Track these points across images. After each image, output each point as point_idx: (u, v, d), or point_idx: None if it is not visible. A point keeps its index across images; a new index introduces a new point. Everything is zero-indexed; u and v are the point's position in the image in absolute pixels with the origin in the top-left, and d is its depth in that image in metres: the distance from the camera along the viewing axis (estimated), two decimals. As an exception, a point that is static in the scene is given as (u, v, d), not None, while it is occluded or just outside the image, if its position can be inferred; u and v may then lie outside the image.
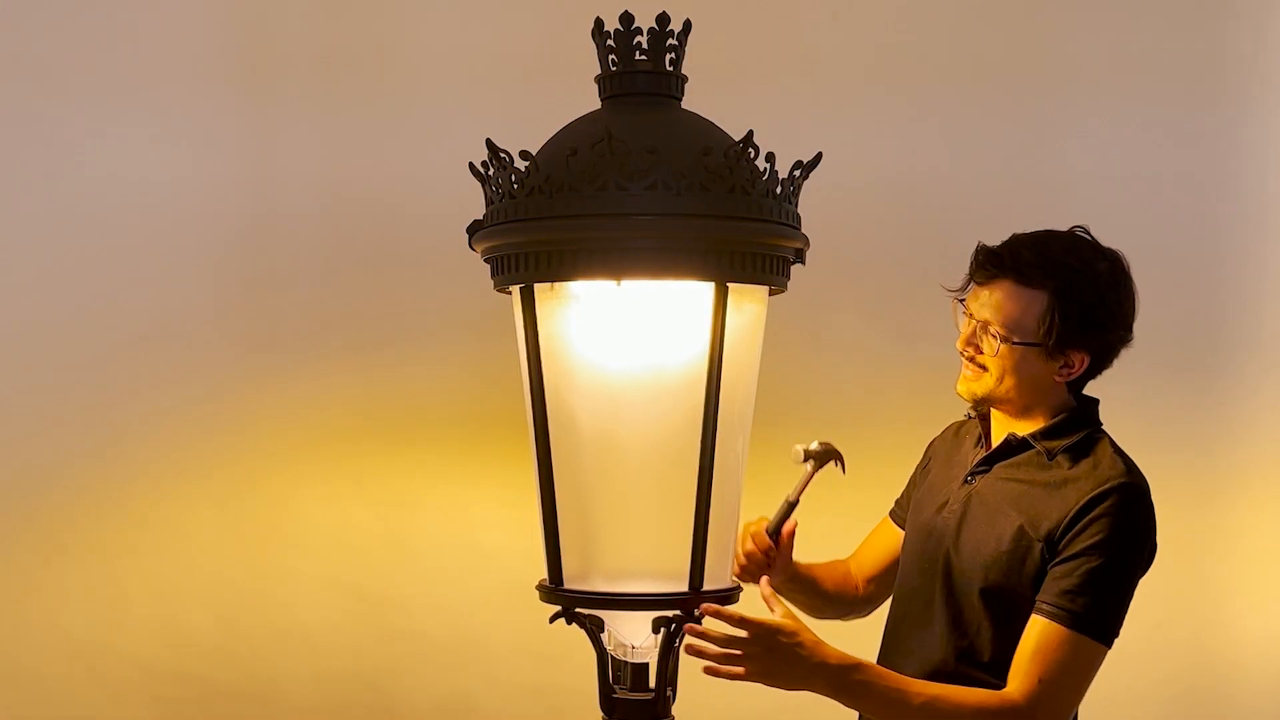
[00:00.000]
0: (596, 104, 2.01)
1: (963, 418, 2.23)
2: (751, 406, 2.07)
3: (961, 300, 2.08)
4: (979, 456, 2.11)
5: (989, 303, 2.01)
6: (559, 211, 1.83)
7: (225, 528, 3.04)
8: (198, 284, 3.03)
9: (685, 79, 2.00)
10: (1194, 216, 3.03)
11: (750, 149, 1.85)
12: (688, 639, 1.92)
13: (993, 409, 2.11)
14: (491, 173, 1.93)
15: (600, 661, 2.02)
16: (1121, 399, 2.93)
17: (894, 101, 3.01)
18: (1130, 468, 1.99)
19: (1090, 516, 1.93)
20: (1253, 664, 3.04)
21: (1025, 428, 2.07)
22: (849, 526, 2.93)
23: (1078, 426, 2.04)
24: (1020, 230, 2.08)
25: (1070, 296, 1.97)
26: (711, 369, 1.90)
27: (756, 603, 2.17)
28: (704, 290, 1.89)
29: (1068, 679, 1.92)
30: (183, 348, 3.03)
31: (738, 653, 1.90)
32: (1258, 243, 3.02)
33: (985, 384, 2.04)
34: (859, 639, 2.39)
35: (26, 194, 3.02)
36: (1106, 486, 1.95)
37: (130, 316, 3.03)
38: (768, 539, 2.23)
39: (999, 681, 1.97)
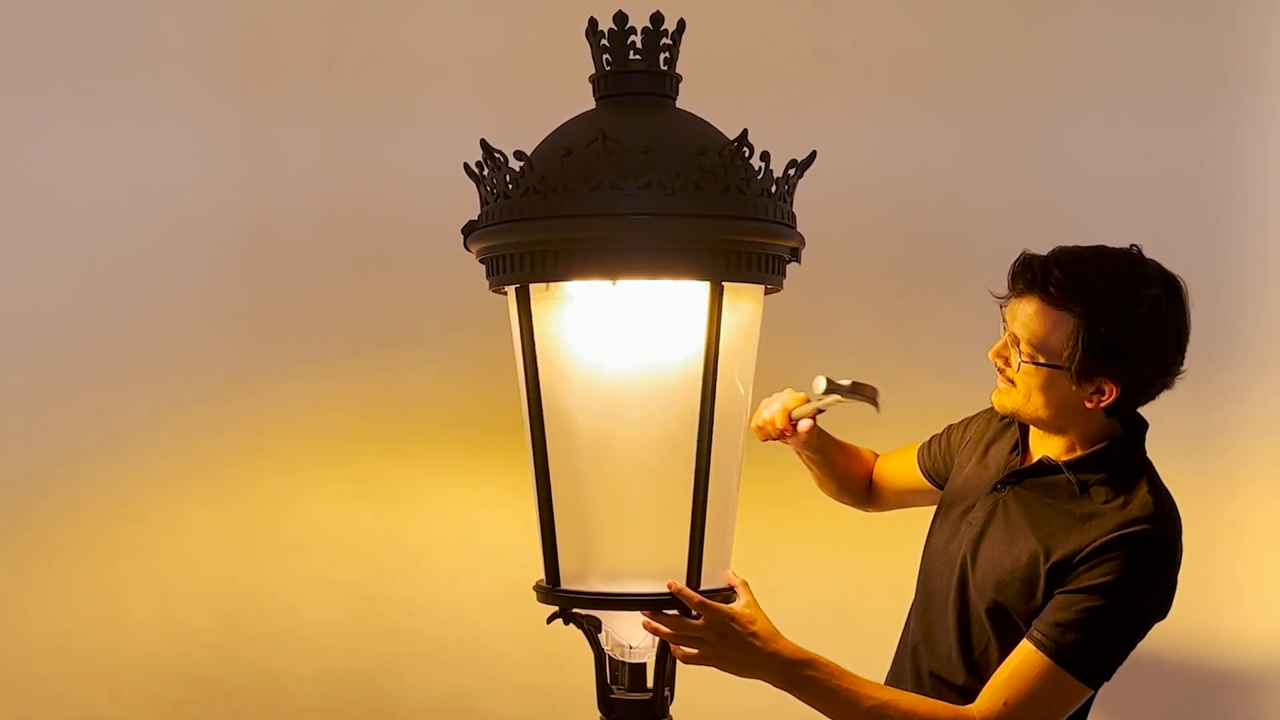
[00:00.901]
0: (591, 104, 2.01)
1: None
2: (748, 406, 2.07)
3: (1004, 308, 2.01)
4: (1012, 466, 2.07)
5: (1020, 317, 1.95)
6: (554, 211, 1.83)
7: (226, 527, 3.04)
8: (198, 284, 3.03)
9: (679, 78, 1.99)
10: (1194, 216, 3.02)
11: (745, 148, 1.85)
12: (644, 619, 1.92)
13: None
14: (486, 173, 1.93)
15: (598, 662, 2.02)
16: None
17: (889, 100, 3.00)
18: (1161, 512, 1.92)
19: (1105, 556, 1.88)
20: (1253, 661, 3.04)
21: (1059, 448, 2.01)
22: (846, 525, 2.94)
23: (1115, 459, 1.97)
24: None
25: (1097, 324, 1.87)
26: (707, 368, 1.89)
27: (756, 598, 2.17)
28: (699, 289, 1.89)
29: (1036, 710, 1.89)
30: (183, 348, 3.03)
31: (691, 635, 1.91)
32: (1257, 241, 3.01)
33: (1014, 399, 1.98)
34: (875, 626, 2.39)
35: (26, 194, 3.02)
36: (1130, 531, 1.89)
37: (130, 317, 3.03)
38: (788, 420, 2.19)
39: None
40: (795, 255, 1.99)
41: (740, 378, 2.00)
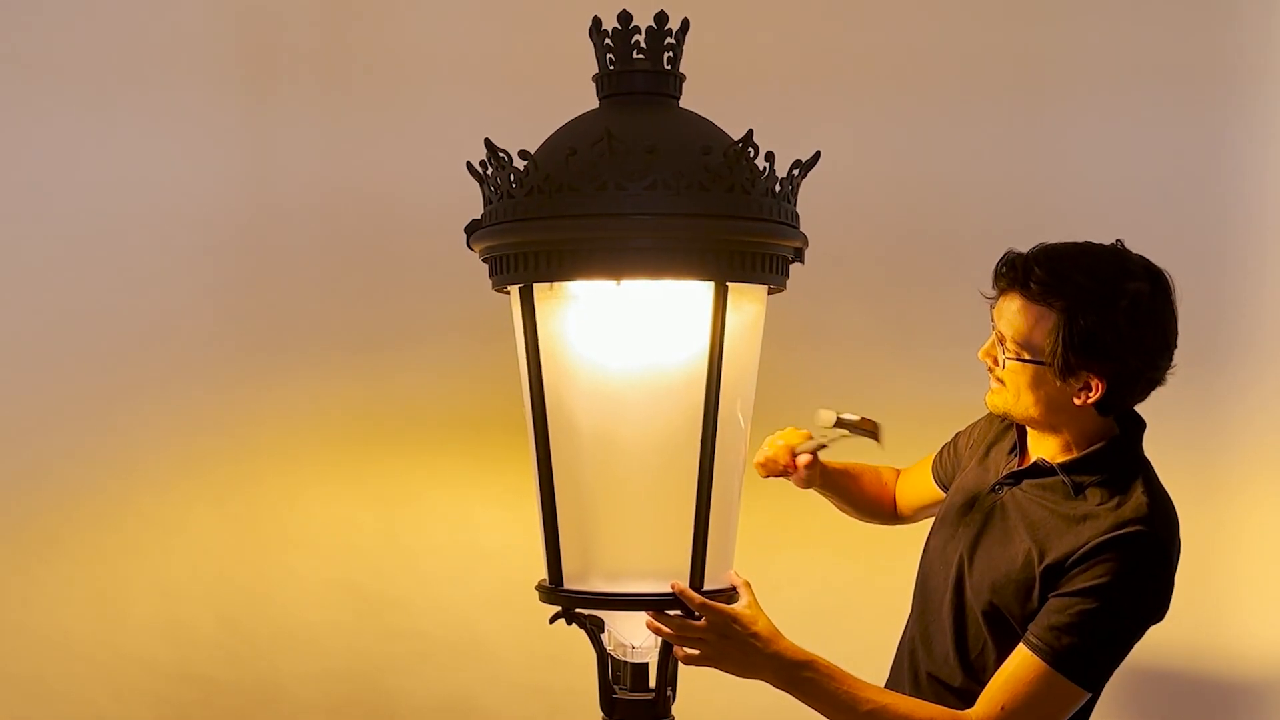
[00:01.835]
0: (594, 103, 2.01)
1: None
2: (751, 406, 2.07)
3: (992, 308, 2.02)
4: (1011, 467, 2.07)
5: (1005, 315, 1.96)
6: (558, 211, 1.83)
7: (226, 527, 3.04)
8: (198, 284, 3.03)
9: (683, 78, 1.99)
10: (1194, 215, 3.02)
11: (750, 148, 1.85)
12: (646, 619, 1.93)
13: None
14: (490, 172, 1.93)
15: (600, 661, 2.02)
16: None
17: (893, 100, 3.00)
18: (1156, 513, 1.92)
19: (1099, 558, 1.88)
20: (1252, 661, 3.04)
21: (1055, 448, 2.01)
22: (848, 525, 2.93)
23: (1110, 460, 1.97)
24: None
25: (1077, 318, 1.88)
26: (711, 368, 1.89)
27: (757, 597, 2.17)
28: (703, 290, 1.89)
29: (1033, 714, 1.89)
30: (183, 348, 3.03)
31: (693, 635, 1.92)
32: (1257, 242, 3.02)
33: (1005, 399, 1.99)
34: (875, 627, 2.39)
35: (27, 193, 3.02)
36: (1123, 532, 1.88)
37: (130, 316, 3.02)
38: (790, 457, 2.24)
39: None
40: (798, 255, 1.99)
41: (742, 406, 2.00)
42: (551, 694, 3.02)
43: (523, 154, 1.88)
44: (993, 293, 2.01)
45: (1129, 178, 3.01)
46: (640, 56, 1.95)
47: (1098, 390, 1.92)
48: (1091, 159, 3.01)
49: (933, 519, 2.22)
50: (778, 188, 1.91)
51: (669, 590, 1.92)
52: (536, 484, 1.98)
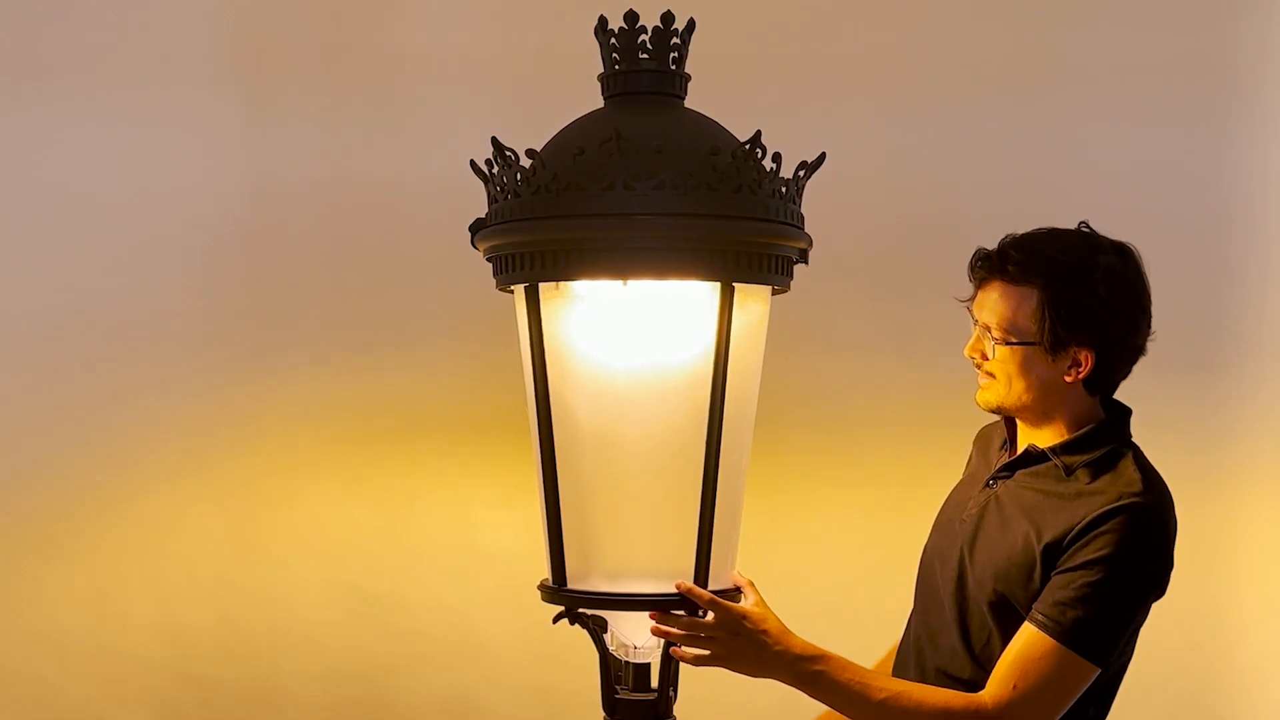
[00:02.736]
0: (599, 103, 2.01)
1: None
2: (754, 406, 2.07)
3: (970, 307, 2.05)
4: (1003, 460, 2.08)
5: (986, 305, 2.00)
6: (565, 211, 1.83)
7: (226, 527, 3.04)
8: (199, 284, 3.03)
9: (689, 78, 1.99)
10: (1194, 216, 3.03)
11: (758, 149, 1.85)
12: (653, 623, 1.92)
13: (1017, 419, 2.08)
14: (495, 171, 1.92)
15: (602, 661, 2.02)
16: (1121, 397, 2.93)
17: (896, 101, 3.01)
18: (1151, 486, 1.94)
19: (1097, 531, 1.89)
20: (1253, 662, 3.04)
21: (1047, 437, 2.02)
22: (851, 526, 2.94)
23: (1100, 441, 1.99)
24: (1018, 229, 2.06)
25: (1060, 291, 1.93)
26: (716, 369, 1.89)
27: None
28: (709, 290, 1.89)
29: (1046, 692, 1.88)
30: (183, 347, 3.03)
31: (702, 635, 1.91)
32: (1258, 241, 3.02)
33: (997, 392, 2.00)
34: (877, 627, 2.39)
35: (27, 194, 3.02)
36: (1119, 504, 1.90)
37: (130, 316, 3.02)
38: None
39: None
40: (803, 256, 1.99)
41: (745, 406, 2.00)
42: (552, 694, 3.02)
43: (529, 153, 1.88)
44: (966, 295, 2.06)
45: (1131, 178, 3.01)
46: (646, 56, 1.94)
47: (1087, 364, 1.96)
48: (1095, 159, 3.01)
49: (931, 511, 2.22)
50: (784, 188, 1.91)
51: (673, 590, 1.92)
52: (540, 484, 1.98)
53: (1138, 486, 1.93)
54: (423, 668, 3.05)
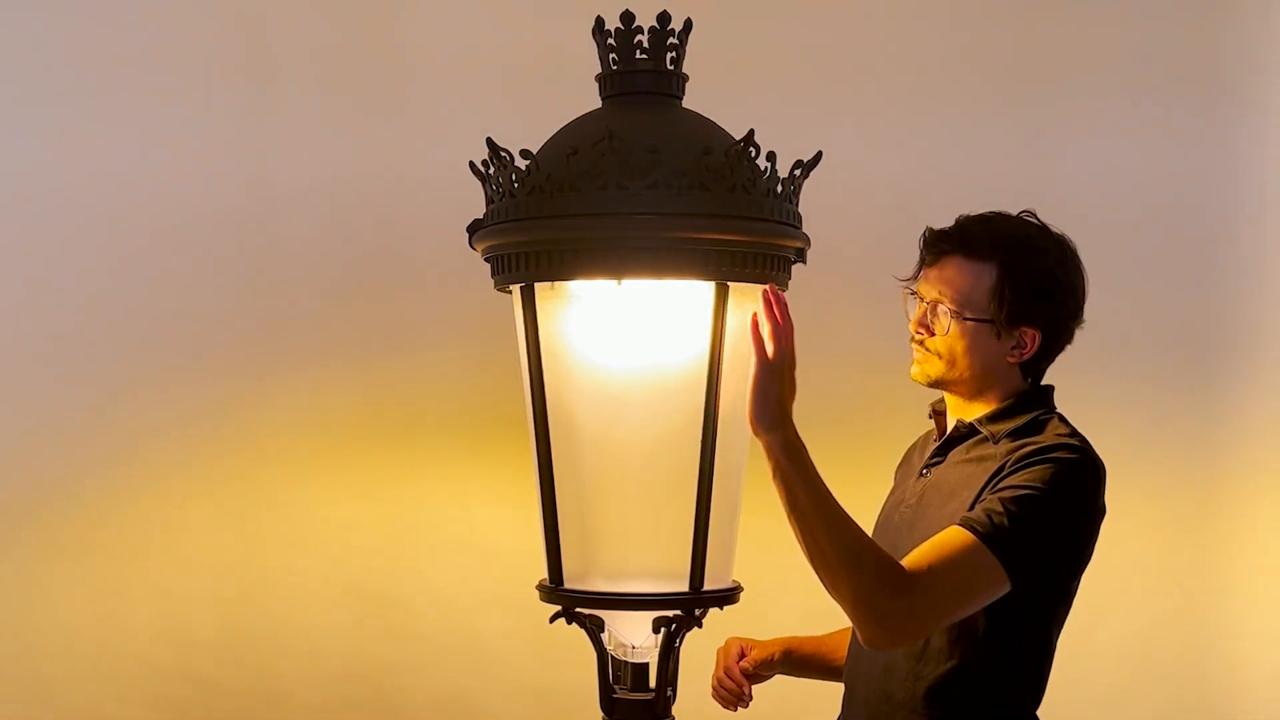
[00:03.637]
0: (597, 103, 2.01)
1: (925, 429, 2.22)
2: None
3: (913, 291, 2.08)
4: (934, 448, 2.11)
5: (938, 280, 2.02)
6: (560, 211, 1.83)
7: (227, 527, 3.04)
8: (199, 284, 3.03)
9: (686, 78, 2.00)
10: (1194, 216, 3.03)
11: (751, 148, 1.85)
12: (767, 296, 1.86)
13: (946, 395, 2.10)
14: (492, 172, 1.93)
15: (600, 661, 2.02)
16: (1121, 397, 2.93)
17: (895, 101, 3.01)
18: (1077, 441, 1.96)
19: (1031, 461, 1.91)
20: (1252, 661, 3.04)
21: (975, 412, 2.05)
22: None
23: (1025, 409, 2.02)
24: None
25: (1020, 267, 1.97)
26: (712, 368, 1.89)
27: (751, 607, 2.17)
28: (705, 289, 1.89)
29: (953, 576, 1.86)
30: (183, 347, 3.03)
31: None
32: (1257, 242, 3.02)
33: (937, 366, 2.03)
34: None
35: (27, 193, 3.02)
36: (1054, 444, 1.93)
37: (132, 317, 3.03)
38: (742, 677, 2.26)
39: (960, 664, 1.95)
40: (801, 256, 1.99)
41: (744, 378, 2.00)
42: (551, 694, 3.02)
43: (524, 153, 1.88)
44: (908, 274, 2.09)
45: (1131, 178, 3.01)
46: (643, 56, 1.95)
47: (1033, 344, 2.00)
48: (1095, 159, 3.01)
49: None
50: (779, 188, 1.91)
51: (670, 590, 1.92)
52: (537, 483, 1.98)
53: (1068, 439, 1.95)
54: (423, 668, 3.05)
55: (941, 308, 2.00)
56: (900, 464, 2.28)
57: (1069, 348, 2.07)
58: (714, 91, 2.17)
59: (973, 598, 1.89)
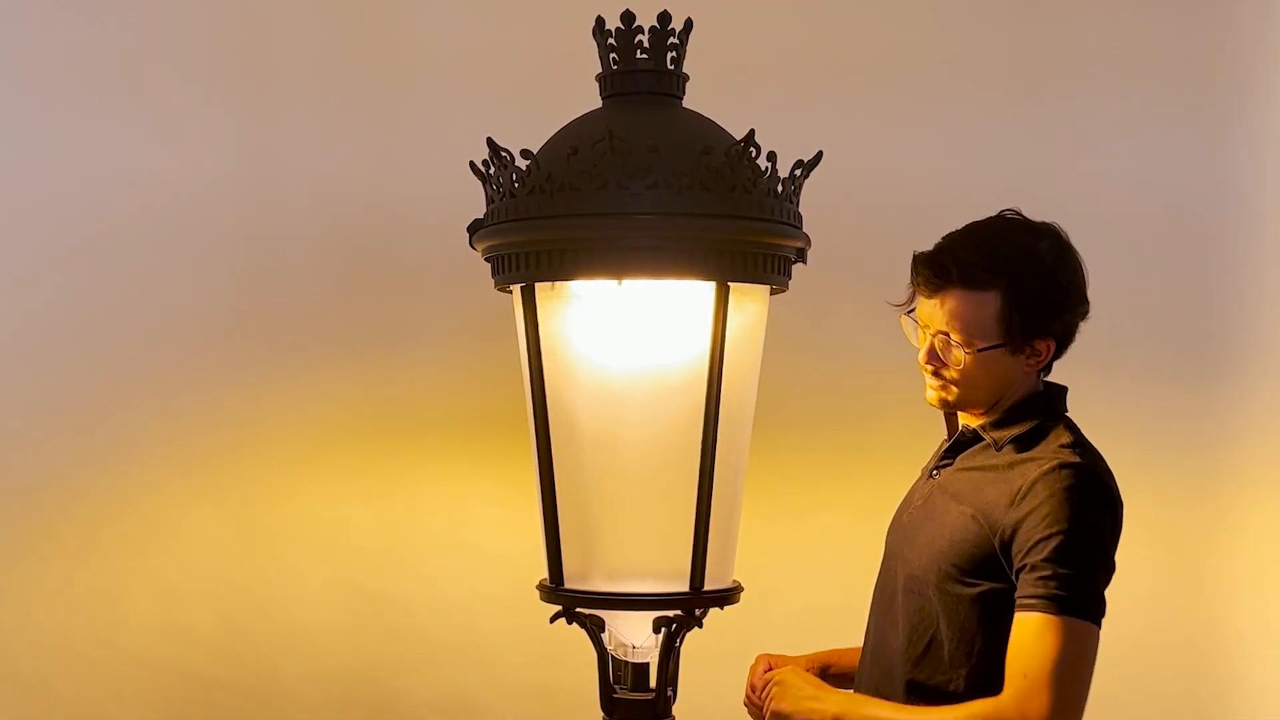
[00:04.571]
0: (597, 103, 2.01)
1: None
2: (752, 406, 2.07)
3: (910, 314, 2.03)
4: (943, 449, 2.10)
5: (941, 314, 1.96)
6: (560, 210, 1.83)
7: (227, 527, 3.04)
8: (198, 284, 3.03)
9: (686, 78, 2.00)
10: (1194, 216, 3.03)
11: (751, 148, 1.85)
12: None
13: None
14: (492, 172, 1.93)
15: (601, 661, 2.02)
16: (1120, 398, 2.93)
17: (895, 101, 3.01)
18: (1081, 452, 1.93)
19: (1040, 504, 1.87)
20: (1252, 663, 3.04)
21: (982, 419, 2.03)
22: (849, 525, 2.94)
23: (1029, 413, 1.99)
24: None
25: (1022, 288, 1.93)
26: (712, 368, 1.89)
27: (751, 607, 2.17)
28: (705, 290, 1.89)
29: (1057, 666, 1.84)
30: (183, 347, 3.03)
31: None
32: (1257, 242, 3.02)
33: (955, 393, 2.00)
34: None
35: (26, 193, 3.02)
36: (1050, 466, 1.89)
37: (130, 317, 3.03)
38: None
39: (958, 676, 1.94)
40: (801, 256, 1.99)
41: (743, 406, 2.01)
42: (551, 694, 3.02)
43: (525, 153, 1.88)
44: (902, 300, 2.05)
45: (1130, 178, 3.01)
46: (643, 56, 1.95)
47: (1047, 352, 1.98)
48: (1093, 159, 3.01)
49: None
50: (780, 188, 1.91)
51: (670, 590, 1.92)
52: (537, 483, 1.98)
53: (1067, 453, 1.92)
54: (423, 668, 3.05)
55: (952, 340, 1.96)
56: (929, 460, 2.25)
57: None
58: (714, 91, 2.17)
59: (1081, 665, 1.87)
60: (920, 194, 3.00)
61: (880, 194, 2.99)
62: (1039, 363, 1.99)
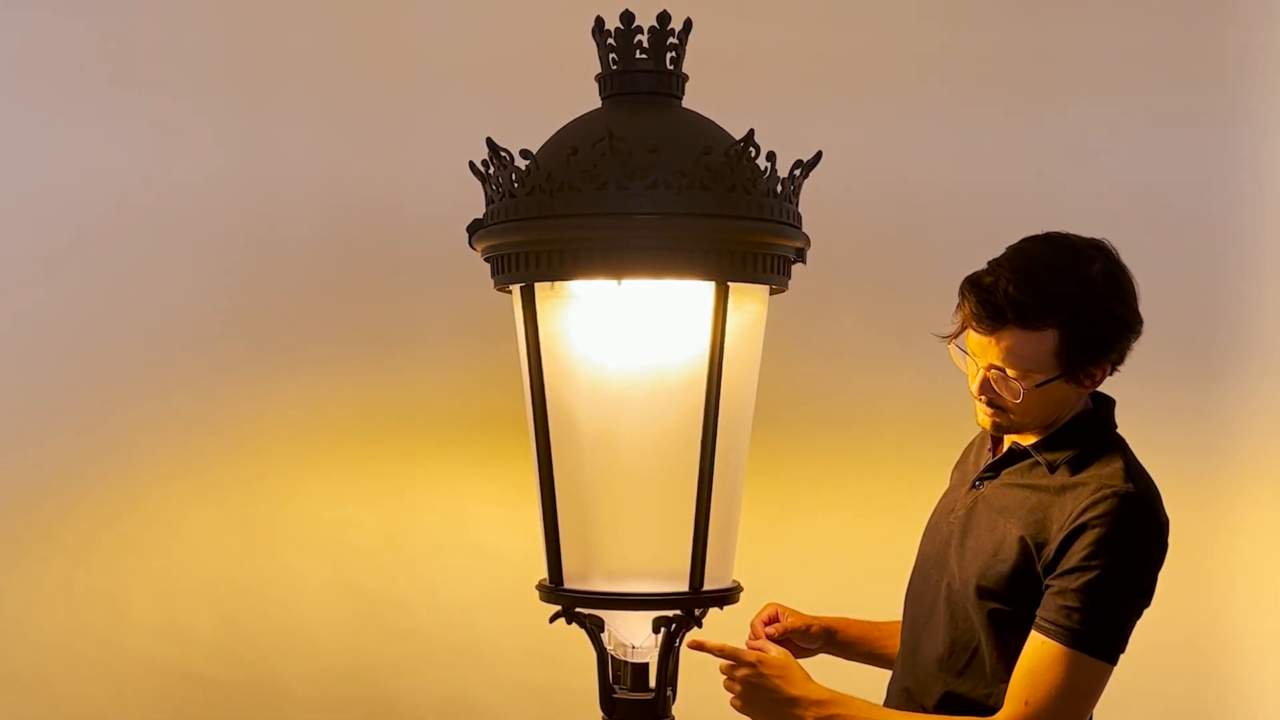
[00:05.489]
0: (597, 103, 2.01)
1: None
2: (752, 406, 2.07)
3: (961, 347, 1.99)
4: (987, 461, 2.07)
5: (997, 350, 1.92)
6: (560, 210, 1.83)
7: (227, 527, 3.04)
8: (198, 284, 3.03)
9: (686, 78, 2.00)
10: (1194, 216, 3.02)
11: (751, 148, 1.85)
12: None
13: None
14: (492, 172, 1.93)
15: (600, 661, 2.02)
16: (1121, 398, 2.92)
17: (895, 100, 3.01)
18: (1133, 477, 1.91)
19: (1087, 528, 1.86)
20: (1252, 663, 3.04)
21: (1033, 435, 2.00)
22: (850, 522, 2.94)
23: (1081, 434, 1.97)
24: (1019, 229, 2.03)
25: (1080, 324, 1.88)
26: (712, 368, 1.89)
27: (751, 607, 2.18)
28: (705, 289, 1.89)
29: (1062, 700, 1.85)
30: (183, 347, 3.03)
31: (730, 677, 2.01)
32: (1257, 242, 3.02)
33: (1011, 420, 1.97)
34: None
35: (26, 194, 3.02)
36: (1101, 496, 1.87)
37: (130, 317, 3.03)
38: (763, 636, 2.23)
39: (999, 690, 1.93)
40: (801, 256, 1.99)
41: (743, 406, 2.01)
42: (551, 694, 3.02)
43: (524, 153, 1.88)
44: (950, 330, 2.00)
45: (1130, 178, 3.01)
46: (643, 56, 1.95)
47: (1103, 374, 1.95)
48: (1092, 159, 3.01)
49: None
50: (779, 187, 1.91)
51: (670, 590, 1.92)
52: (537, 483, 1.98)
53: (1120, 478, 1.89)
54: (423, 668, 3.05)
55: (1011, 376, 1.92)
56: (957, 462, 2.22)
57: None
58: (714, 91, 2.16)
59: (1084, 701, 1.87)
60: (920, 194, 3.00)
61: (880, 194, 2.99)
62: (1094, 385, 1.96)
